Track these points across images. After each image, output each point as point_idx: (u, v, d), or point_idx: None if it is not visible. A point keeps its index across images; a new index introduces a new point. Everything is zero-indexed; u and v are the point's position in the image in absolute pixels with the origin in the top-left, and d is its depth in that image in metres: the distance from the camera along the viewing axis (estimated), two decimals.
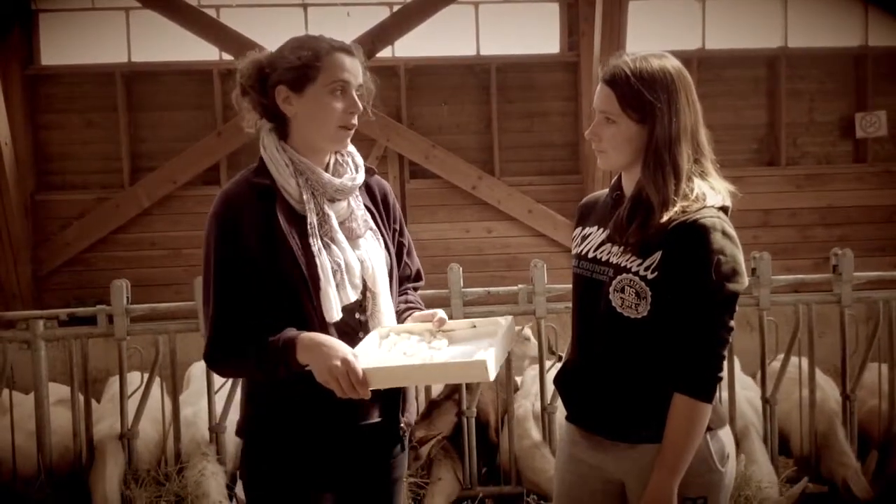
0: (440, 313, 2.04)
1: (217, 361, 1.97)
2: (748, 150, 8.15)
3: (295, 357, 1.85)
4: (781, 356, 4.36)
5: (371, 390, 1.83)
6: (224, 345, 1.92)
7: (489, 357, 1.79)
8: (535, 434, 4.28)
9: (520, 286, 4.35)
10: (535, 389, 4.45)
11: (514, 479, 4.30)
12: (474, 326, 2.07)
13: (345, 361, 1.79)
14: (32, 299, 7.43)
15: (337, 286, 1.93)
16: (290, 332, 1.88)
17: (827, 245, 5.13)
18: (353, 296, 1.97)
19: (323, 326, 1.92)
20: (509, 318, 2.08)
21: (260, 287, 1.91)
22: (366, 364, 1.83)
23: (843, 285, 4.30)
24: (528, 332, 4.88)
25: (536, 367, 4.43)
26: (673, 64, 1.96)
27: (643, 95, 1.90)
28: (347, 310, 1.97)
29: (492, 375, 1.79)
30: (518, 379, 4.83)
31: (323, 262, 1.91)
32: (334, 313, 1.92)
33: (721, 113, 7.82)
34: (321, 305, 1.91)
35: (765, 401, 4.34)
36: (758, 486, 3.95)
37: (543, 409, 4.29)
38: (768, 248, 4.56)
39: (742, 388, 4.54)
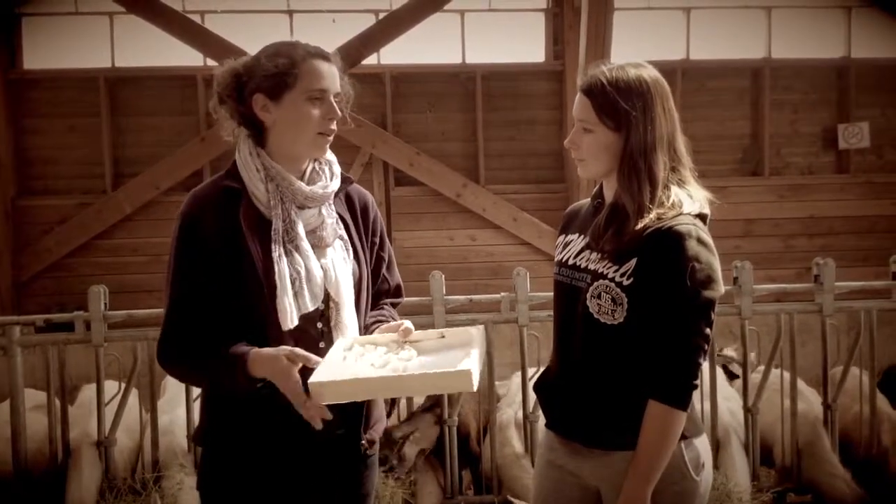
0: (406, 323, 2.01)
1: (167, 361, 1.95)
2: (732, 160, 8.20)
3: (247, 372, 1.83)
4: (762, 367, 4.37)
5: (338, 404, 1.80)
6: (174, 346, 1.91)
7: (474, 366, 1.77)
8: (517, 443, 4.26)
9: (502, 294, 4.33)
10: (519, 398, 4.44)
11: (496, 488, 4.28)
12: (443, 336, 2.04)
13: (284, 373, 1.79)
14: (12, 305, 7.37)
15: (295, 294, 1.90)
16: (242, 346, 1.86)
17: (809, 255, 5.16)
18: (311, 304, 1.93)
19: (279, 333, 1.89)
20: (480, 327, 2.06)
21: (218, 289, 1.89)
22: (338, 376, 1.79)
23: (825, 295, 4.31)
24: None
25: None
26: (650, 73, 1.97)
27: (618, 104, 1.91)
28: (308, 319, 1.94)
29: (475, 385, 1.77)
30: (499, 383, 4.83)
31: (282, 268, 1.89)
32: (289, 321, 1.89)
33: (705, 123, 7.86)
34: (276, 312, 1.88)
35: (746, 410, 4.34)
36: (739, 499, 3.95)
37: (525, 417, 4.27)
38: (751, 258, 4.57)
39: (724, 399, 4.53)
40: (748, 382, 4.36)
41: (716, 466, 4.13)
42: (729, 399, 4.62)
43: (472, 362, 1.78)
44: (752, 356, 4.47)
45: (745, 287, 4.24)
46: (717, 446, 4.25)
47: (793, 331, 4.35)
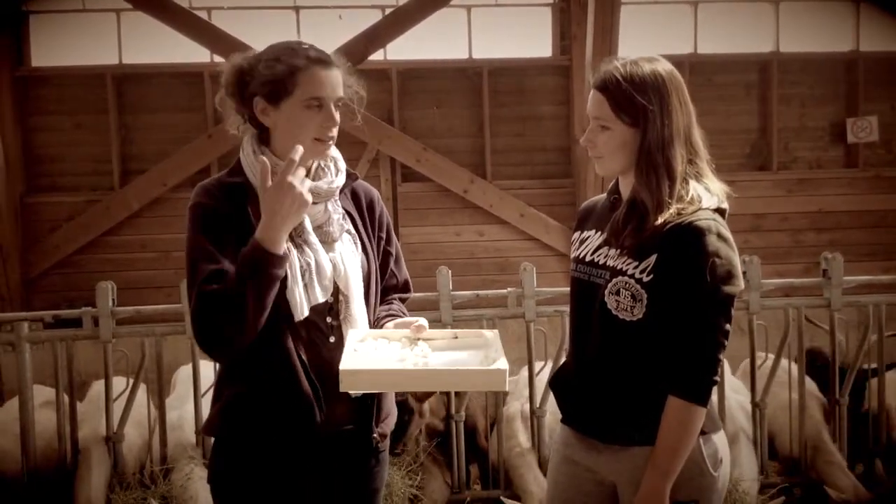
0: (420, 320, 2.01)
1: (207, 326, 1.83)
2: (740, 154, 8.17)
3: (268, 248, 1.80)
4: (772, 356, 4.37)
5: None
6: (211, 300, 1.82)
7: (506, 366, 1.80)
8: (523, 437, 4.27)
9: (509, 289, 4.34)
10: (526, 392, 4.44)
11: (503, 483, 4.29)
12: (456, 337, 2.05)
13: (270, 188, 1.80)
14: (22, 302, 7.40)
15: (305, 286, 1.91)
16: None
17: (818, 249, 5.15)
18: (321, 296, 1.94)
19: (290, 324, 1.91)
20: (496, 330, 2.06)
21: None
22: (371, 365, 1.81)
23: (833, 289, 4.30)
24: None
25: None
26: (664, 67, 1.96)
27: (635, 99, 1.90)
28: (318, 312, 1.95)
29: (507, 385, 1.80)
30: (513, 377, 4.85)
31: (292, 260, 1.89)
32: (299, 311, 1.90)
33: (712, 118, 7.83)
34: (287, 302, 1.89)
35: (754, 405, 4.33)
36: (745, 493, 3.96)
37: (532, 412, 4.27)
38: (760, 253, 4.55)
39: (733, 392, 4.52)
40: (756, 377, 4.36)
41: None
42: (737, 391, 4.62)
43: (504, 363, 1.81)
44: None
45: (752, 282, 4.23)
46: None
47: (801, 325, 4.34)
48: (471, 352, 1.96)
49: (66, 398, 4.14)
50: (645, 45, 7.58)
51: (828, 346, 4.45)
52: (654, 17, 8.03)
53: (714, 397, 4.18)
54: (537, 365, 4.29)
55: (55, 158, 7.72)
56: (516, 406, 4.43)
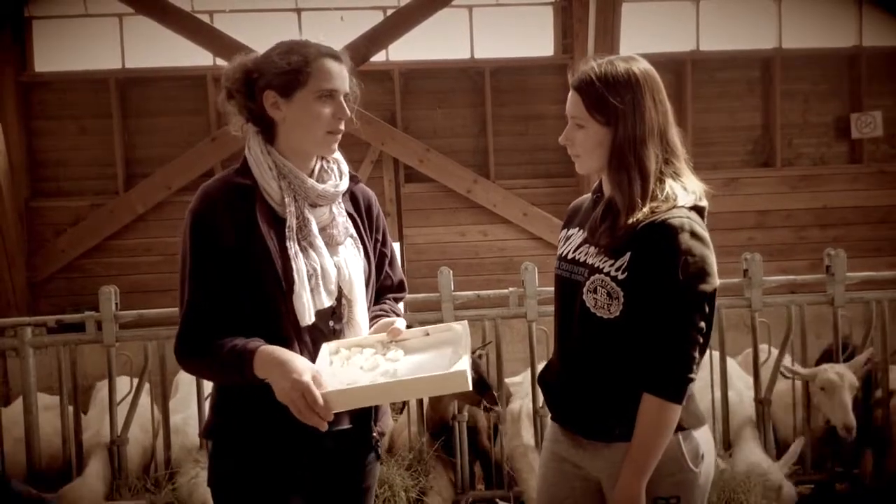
0: (397, 322, 2.02)
1: (184, 357, 1.94)
2: (743, 151, 8.14)
3: (252, 369, 1.82)
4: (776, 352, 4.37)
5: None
6: (192, 342, 1.90)
7: (467, 366, 1.78)
8: (527, 436, 4.27)
9: (510, 289, 4.34)
10: (530, 391, 4.46)
11: (507, 483, 4.29)
12: (427, 334, 2.05)
13: (297, 383, 1.73)
14: (27, 306, 7.42)
15: (311, 290, 1.91)
16: (254, 342, 1.84)
17: (822, 246, 5.13)
18: (326, 301, 1.95)
19: (296, 329, 1.91)
20: (464, 322, 2.05)
21: (234, 286, 1.89)
22: (336, 385, 1.79)
23: (836, 286, 4.29)
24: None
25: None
26: (639, 66, 1.97)
27: (607, 99, 1.92)
28: (321, 315, 1.95)
29: (470, 384, 1.78)
30: (519, 378, 4.86)
31: (299, 265, 1.90)
32: (307, 317, 1.91)
33: (716, 114, 7.81)
34: (294, 308, 1.90)
35: (758, 402, 4.32)
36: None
37: (535, 412, 4.27)
38: (764, 250, 4.55)
39: (747, 388, 4.50)
40: (759, 375, 4.35)
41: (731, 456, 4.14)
42: (751, 388, 4.60)
43: (464, 363, 1.79)
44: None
45: (754, 279, 4.23)
46: (733, 437, 4.24)
47: (803, 322, 4.33)
48: (442, 349, 1.96)
49: (69, 405, 4.16)
50: (647, 42, 7.56)
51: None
52: (656, 14, 8.01)
53: (717, 393, 4.21)
54: (540, 364, 4.29)
55: (59, 163, 7.75)
56: (520, 405, 4.44)
